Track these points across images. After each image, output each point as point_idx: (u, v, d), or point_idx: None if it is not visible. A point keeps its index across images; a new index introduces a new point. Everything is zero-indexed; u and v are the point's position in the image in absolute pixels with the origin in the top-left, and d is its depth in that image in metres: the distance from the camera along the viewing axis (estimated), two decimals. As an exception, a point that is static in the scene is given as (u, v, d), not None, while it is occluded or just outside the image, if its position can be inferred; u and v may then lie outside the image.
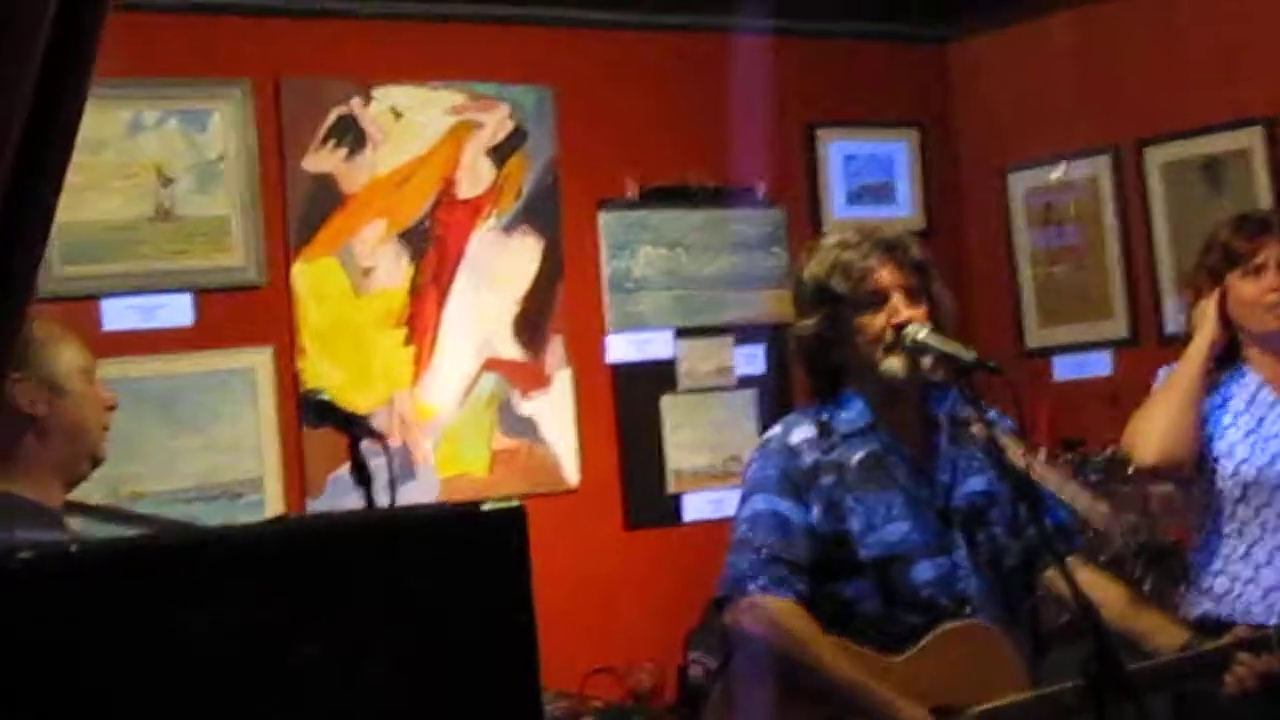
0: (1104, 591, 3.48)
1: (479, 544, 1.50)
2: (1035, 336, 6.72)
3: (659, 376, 6.05)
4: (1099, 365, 6.50)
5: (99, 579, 1.21)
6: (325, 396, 3.26)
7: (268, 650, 1.27)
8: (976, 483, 3.57)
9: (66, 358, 3.33)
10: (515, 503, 1.49)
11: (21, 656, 1.16)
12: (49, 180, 1.44)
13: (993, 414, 3.57)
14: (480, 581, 1.48)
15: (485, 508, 1.55)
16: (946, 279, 6.65)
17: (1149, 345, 6.25)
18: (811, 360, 3.60)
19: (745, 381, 6.10)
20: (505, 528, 1.50)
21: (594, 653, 5.63)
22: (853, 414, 3.55)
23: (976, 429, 3.55)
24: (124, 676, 1.19)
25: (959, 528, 3.52)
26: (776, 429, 3.60)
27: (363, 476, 3.09)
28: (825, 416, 3.56)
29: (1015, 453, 3.45)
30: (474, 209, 5.74)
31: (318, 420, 3.27)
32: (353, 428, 3.18)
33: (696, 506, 5.95)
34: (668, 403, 6.05)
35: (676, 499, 6.01)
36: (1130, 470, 4.25)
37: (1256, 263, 4.04)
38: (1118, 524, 4.26)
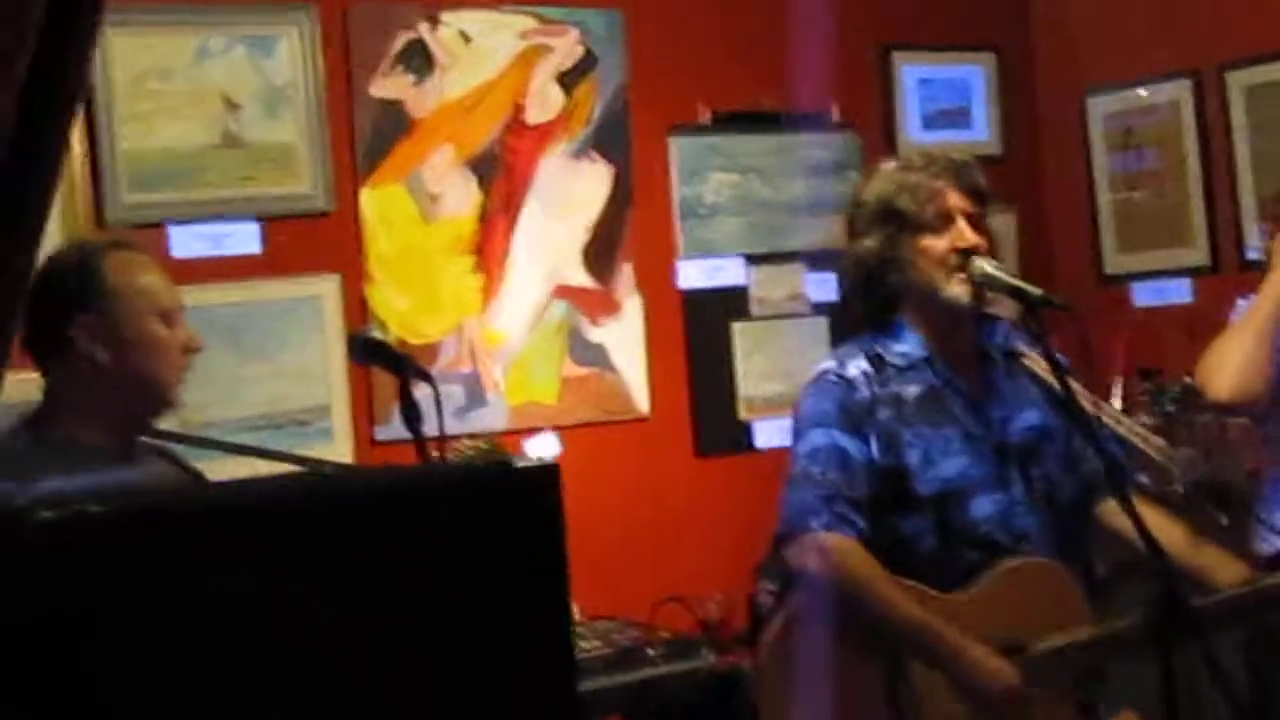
0: (1163, 529, 3.42)
1: (511, 504, 1.46)
2: (1114, 263, 6.64)
3: (730, 303, 6.01)
4: (1179, 293, 6.41)
5: (109, 543, 1.18)
6: (375, 334, 3.20)
7: (283, 618, 1.24)
8: (1031, 417, 3.53)
9: (141, 302, 3.15)
10: (549, 460, 1.45)
11: (30, 623, 1.14)
12: (57, 120, 1.41)
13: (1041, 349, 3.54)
14: (511, 544, 1.45)
15: (518, 465, 1.50)
16: (1024, 205, 6.68)
17: (1229, 272, 6.16)
18: (869, 283, 3.53)
19: (818, 308, 6.04)
20: (538, 487, 1.46)
21: (664, 582, 5.62)
22: (907, 346, 3.50)
23: (1030, 361, 3.51)
24: (131, 647, 1.17)
25: (1015, 463, 3.47)
26: (829, 361, 3.55)
27: (412, 415, 3.03)
28: (878, 349, 3.51)
29: (1073, 387, 3.41)
30: (543, 135, 5.69)
31: (365, 358, 3.22)
32: (401, 367, 3.11)
33: (768, 434, 5.91)
34: (739, 330, 6.01)
35: (748, 426, 5.98)
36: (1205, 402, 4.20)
37: (1344, 193, 3.97)
38: (1176, 461, 4.18)
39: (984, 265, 3.40)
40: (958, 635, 3.30)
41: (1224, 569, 3.45)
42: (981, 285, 3.42)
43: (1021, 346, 3.59)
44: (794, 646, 3.37)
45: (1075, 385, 3.35)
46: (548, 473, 1.49)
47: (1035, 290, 3.27)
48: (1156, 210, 6.49)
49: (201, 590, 1.20)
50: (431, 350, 5.41)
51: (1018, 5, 6.82)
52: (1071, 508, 3.56)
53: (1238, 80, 6.16)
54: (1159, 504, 3.35)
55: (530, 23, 5.69)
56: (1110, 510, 3.57)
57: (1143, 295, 6.53)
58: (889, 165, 3.58)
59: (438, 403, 2.96)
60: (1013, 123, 6.75)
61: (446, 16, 5.54)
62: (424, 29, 5.50)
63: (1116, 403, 5.96)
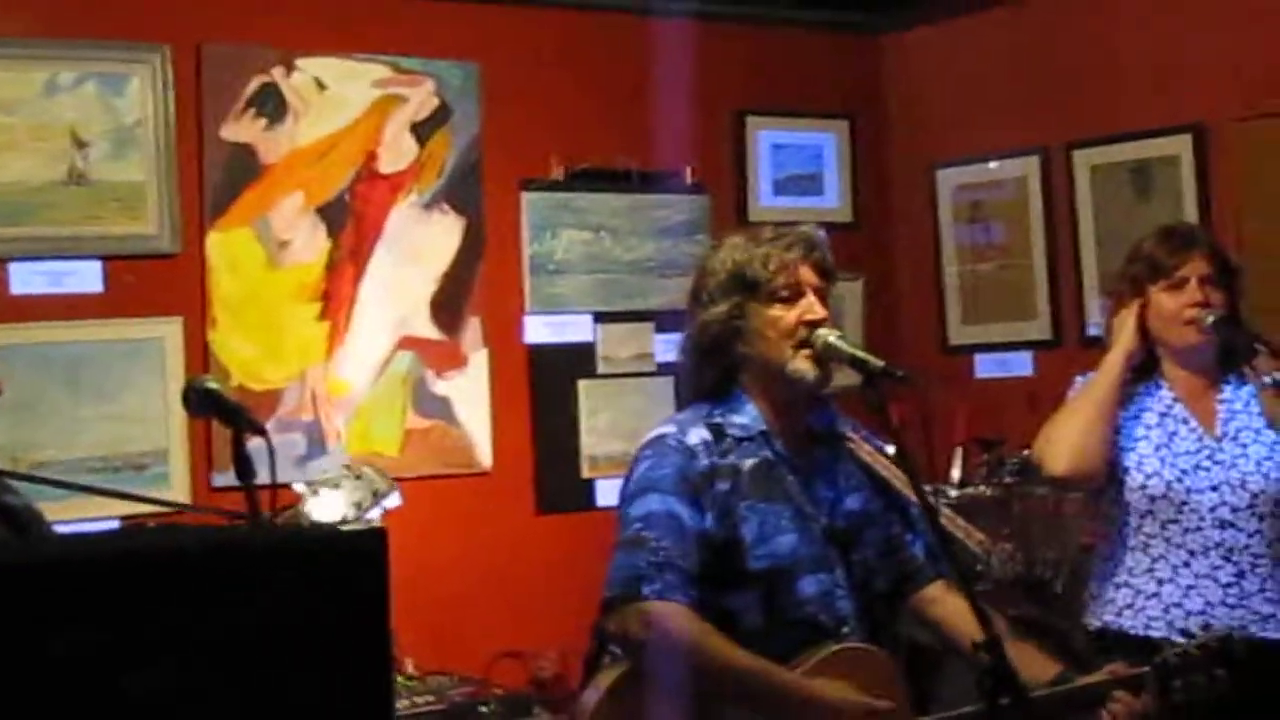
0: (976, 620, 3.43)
1: (337, 568, 1.45)
2: (958, 333, 6.74)
3: (577, 360, 6.04)
4: (1020, 365, 6.52)
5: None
6: (210, 383, 3.14)
7: (101, 677, 1.22)
8: (854, 501, 3.55)
9: None
10: (376, 524, 1.44)
11: None
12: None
13: (865, 432, 3.63)
14: (336, 607, 1.43)
15: (345, 529, 1.50)
16: (871, 273, 6.76)
17: (1071, 347, 6.28)
18: (713, 352, 3.52)
19: (665, 368, 6.07)
20: (364, 551, 1.45)
21: (500, 637, 5.61)
22: (746, 418, 3.48)
23: (855, 446, 3.56)
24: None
25: (838, 546, 3.49)
26: (669, 427, 3.50)
27: (244, 471, 2.98)
28: (718, 418, 3.49)
29: (899, 477, 3.46)
30: (395, 185, 5.69)
31: (199, 409, 3.16)
32: (235, 419, 3.06)
33: (610, 493, 5.90)
34: (585, 387, 6.03)
35: (589, 484, 6.00)
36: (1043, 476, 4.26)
37: (1179, 276, 4.04)
38: (996, 555, 4.24)
39: (827, 336, 3.42)
40: (804, 680, 3.29)
41: (1035, 664, 3.45)
42: (824, 356, 3.43)
43: (849, 430, 3.63)
44: (617, 716, 3.32)
45: (905, 472, 3.39)
46: (374, 537, 1.48)
47: (877, 361, 3.29)
48: (1001, 283, 6.60)
49: (24, 647, 1.18)
50: (273, 397, 5.37)
51: (871, 76, 6.92)
52: (884, 596, 3.57)
53: (1084, 159, 6.29)
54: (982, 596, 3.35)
55: (385, 72, 5.69)
56: (925, 599, 3.61)
57: (985, 367, 6.63)
58: (740, 236, 3.58)
59: (271, 454, 2.92)
60: (863, 191, 6.84)
61: (301, 62, 5.52)
62: (278, 73, 5.48)
63: (955, 473, 6.05)
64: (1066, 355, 6.14)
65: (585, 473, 6.00)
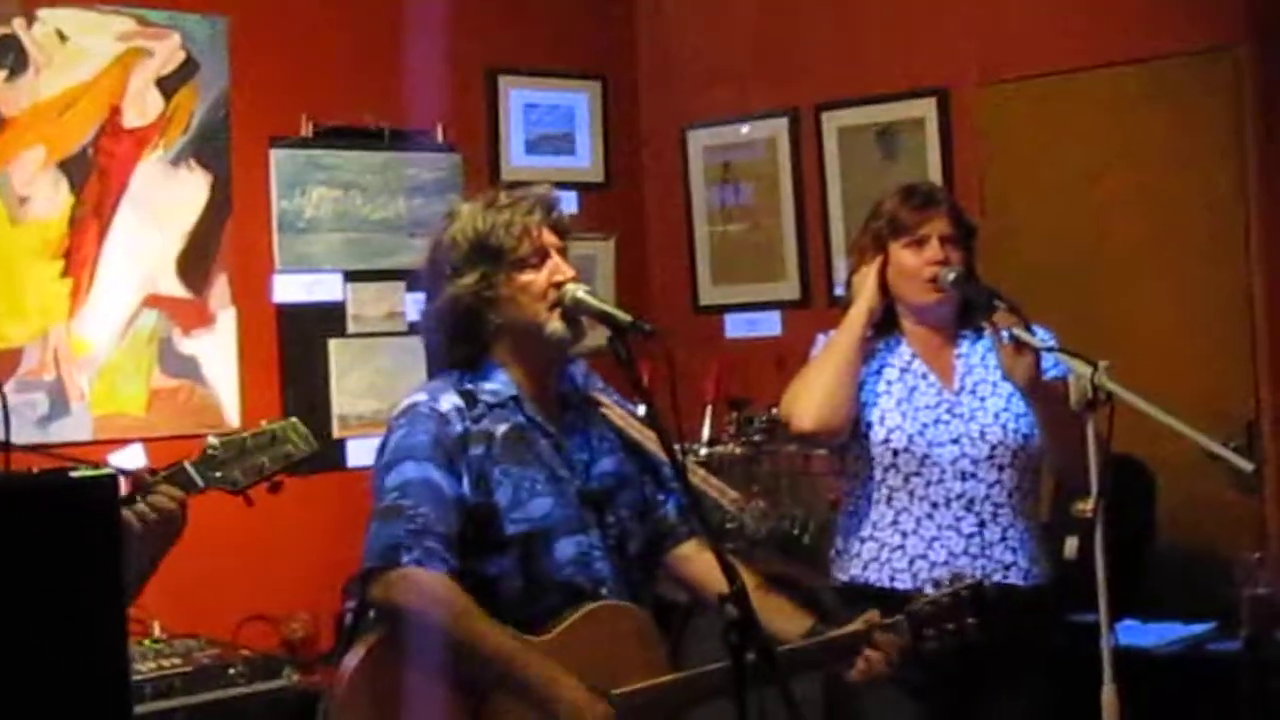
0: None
1: (68, 513, 1.45)
2: (708, 294, 6.84)
3: (327, 319, 6.02)
4: (769, 325, 6.64)
5: None
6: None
7: None
8: (608, 464, 3.60)
9: None
10: (108, 469, 1.44)
11: None
12: None
13: (616, 395, 3.69)
14: (67, 552, 1.43)
15: (75, 474, 1.50)
16: (623, 234, 6.82)
17: (818, 307, 6.40)
18: (464, 323, 3.53)
19: (416, 328, 6.04)
20: (95, 495, 1.45)
21: (250, 600, 5.58)
22: (497, 384, 3.52)
23: (607, 409, 3.61)
24: None
25: (593, 508, 3.54)
26: (420, 395, 3.51)
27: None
28: (468, 385, 3.52)
29: (651, 438, 3.52)
30: (140, 140, 5.61)
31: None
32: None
33: (361, 453, 5.91)
34: (335, 346, 6.01)
35: (341, 444, 5.98)
36: (789, 433, 4.35)
37: (920, 234, 4.15)
38: (749, 513, 4.32)
39: (575, 291, 3.46)
40: (552, 668, 3.33)
41: (787, 618, 3.54)
42: (574, 312, 3.46)
43: (598, 393, 3.67)
44: (375, 680, 3.33)
45: (655, 431, 3.43)
46: (104, 482, 1.49)
47: (625, 315, 3.33)
48: (751, 244, 6.71)
49: None
50: (14, 356, 5.28)
51: (625, 36, 6.98)
52: (640, 556, 3.63)
53: (832, 121, 6.41)
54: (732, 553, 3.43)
55: (130, 25, 5.60)
56: (679, 558, 3.68)
57: (735, 327, 6.74)
58: (474, 203, 3.58)
59: (5, 413, 2.87)
60: (615, 151, 6.90)
61: (43, 13, 5.42)
62: (18, 25, 5.37)
63: (705, 431, 6.15)
64: (814, 315, 6.26)
65: (336, 432, 5.98)
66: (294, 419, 3.25)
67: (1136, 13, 5.72)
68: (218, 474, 3.13)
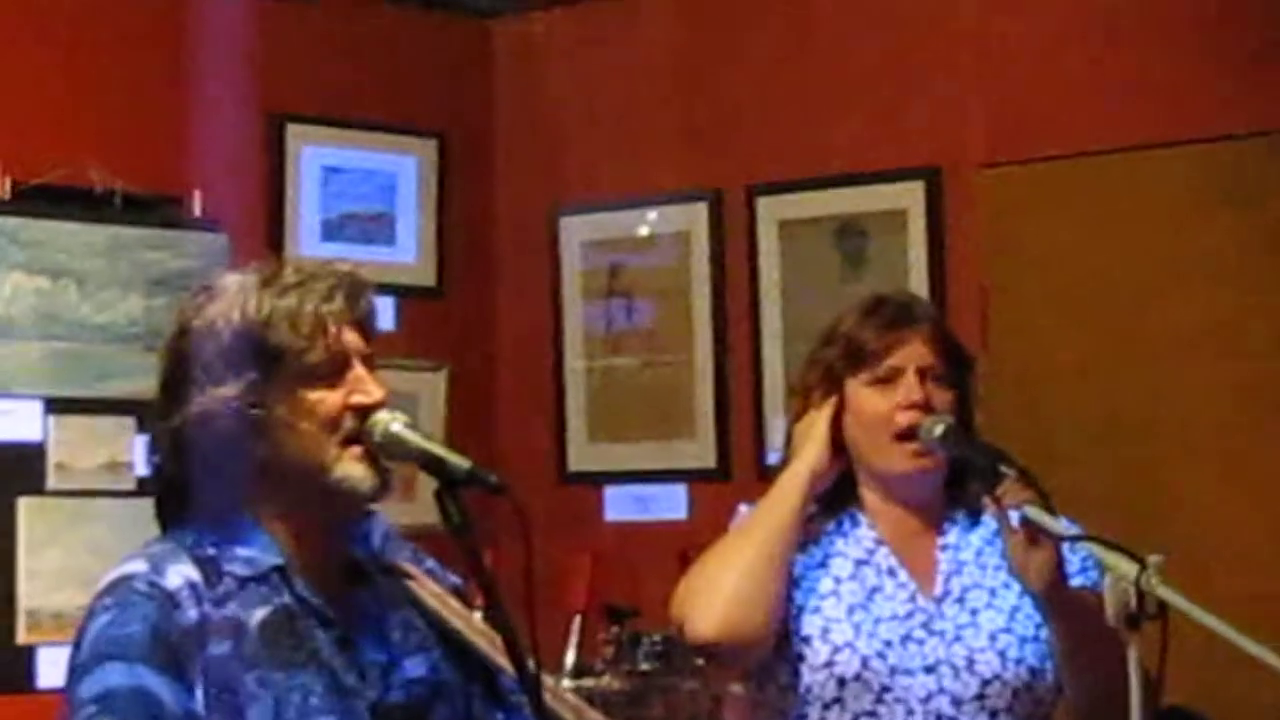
0: None
1: None
2: (582, 456, 6.82)
3: (18, 468, 5.95)
4: (670, 504, 6.63)
5: None
6: None
7: None
8: (416, 665, 3.53)
9: None
10: None
11: None
12: None
13: (431, 564, 3.59)
14: None
15: None
16: (460, 363, 6.79)
17: (742, 479, 6.38)
18: (213, 456, 3.46)
19: (150, 486, 6.01)
20: None
21: None
22: (253, 549, 3.44)
23: (418, 585, 3.54)
24: None
25: None
26: (138, 564, 3.40)
27: None
28: (210, 550, 3.44)
29: (483, 632, 3.46)
30: None
31: None
32: None
33: (58, 667, 5.82)
34: (28, 508, 5.94)
35: (28, 654, 5.89)
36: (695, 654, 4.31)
37: (890, 364, 4.10)
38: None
39: (388, 423, 3.41)
40: None
41: None
42: (384, 453, 3.41)
43: (405, 560, 3.61)
44: None
45: (499, 631, 3.38)
46: None
47: (460, 460, 3.29)
48: (648, 387, 6.72)
49: None
50: None
51: (475, 76, 7.01)
52: None
53: (771, 209, 6.44)
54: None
55: None
56: None
57: (619, 505, 6.74)
58: (245, 277, 3.51)
59: None
60: (453, 243, 6.90)
61: None
62: None
63: (570, 654, 6.10)
64: (735, 491, 6.23)
65: (22, 637, 5.90)
66: None
67: (1205, 80, 5.80)
68: None
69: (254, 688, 3.33)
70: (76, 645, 3.40)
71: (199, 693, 3.31)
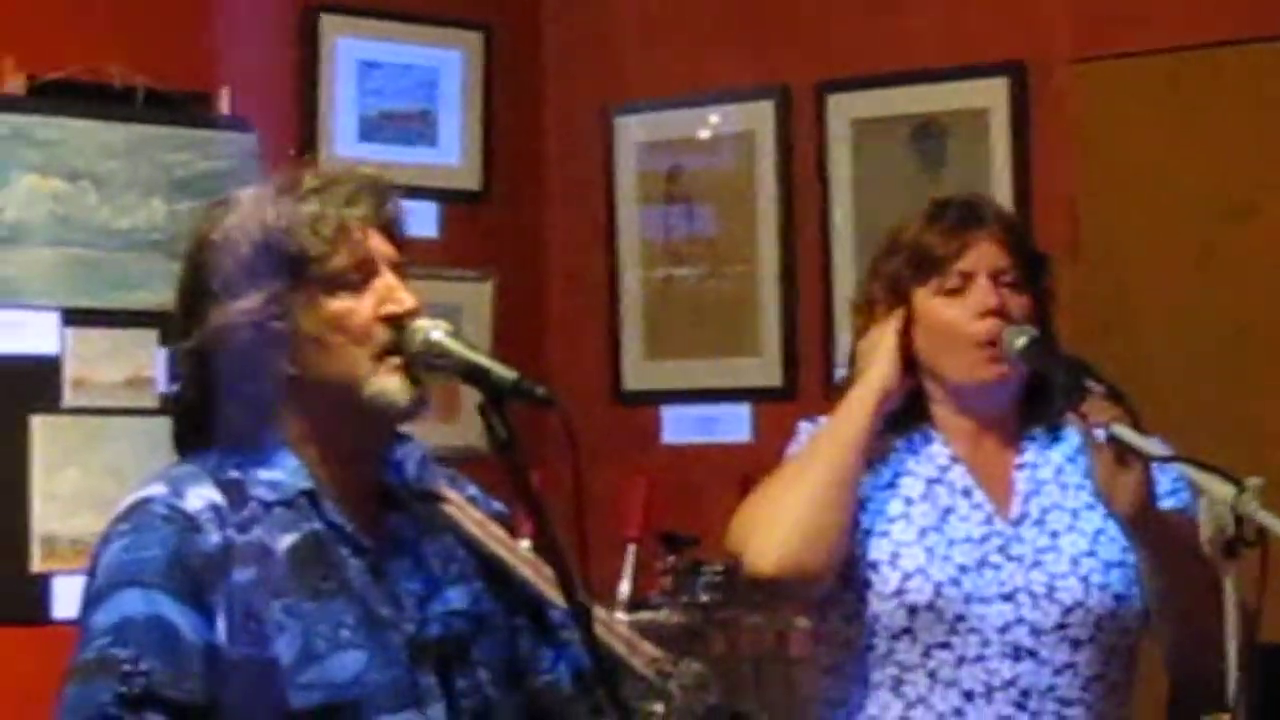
0: None
1: None
2: (638, 375, 6.82)
3: (31, 384, 5.99)
4: (732, 425, 6.64)
5: None
6: None
7: None
8: (458, 597, 3.52)
9: None
10: None
11: None
12: None
13: (473, 490, 3.59)
14: None
15: None
16: (507, 272, 6.80)
17: (809, 400, 6.37)
18: (235, 373, 3.45)
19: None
20: None
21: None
22: (280, 472, 3.43)
23: (456, 509, 3.53)
24: None
25: (433, 668, 3.47)
26: (158, 487, 3.40)
27: None
28: (233, 473, 3.44)
29: (528, 561, 3.45)
30: None
31: None
32: None
33: (76, 596, 5.85)
34: (41, 427, 5.98)
35: (45, 583, 5.93)
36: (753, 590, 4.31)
37: (959, 269, 4.08)
38: (678, 677, 4.30)
39: (429, 329, 3.41)
40: None
41: None
42: (423, 363, 3.40)
43: (442, 485, 3.60)
44: None
45: (552, 565, 3.36)
46: None
47: (507, 371, 3.28)
48: (708, 299, 6.71)
49: None
50: None
51: (522, -36, 7.02)
52: None
53: (842, 107, 6.42)
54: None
55: None
56: None
57: (677, 426, 6.74)
58: (263, 189, 3.51)
59: None
60: (500, 144, 6.91)
61: None
62: None
63: (624, 584, 6.11)
64: (802, 412, 6.22)
65: (36, 565, 5.94)
66: None
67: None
68: None
69: (281, 616, 3.33)
70: (91, 573, 3.41)
71: (221, 622, 3.31)
